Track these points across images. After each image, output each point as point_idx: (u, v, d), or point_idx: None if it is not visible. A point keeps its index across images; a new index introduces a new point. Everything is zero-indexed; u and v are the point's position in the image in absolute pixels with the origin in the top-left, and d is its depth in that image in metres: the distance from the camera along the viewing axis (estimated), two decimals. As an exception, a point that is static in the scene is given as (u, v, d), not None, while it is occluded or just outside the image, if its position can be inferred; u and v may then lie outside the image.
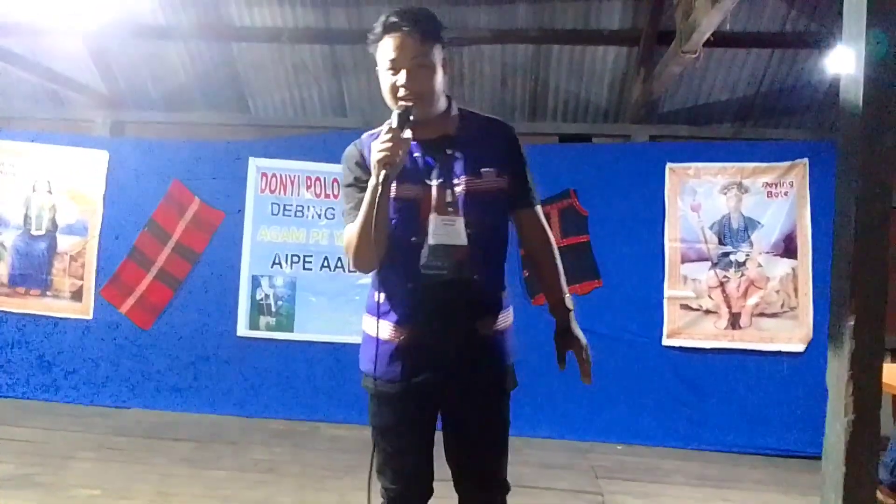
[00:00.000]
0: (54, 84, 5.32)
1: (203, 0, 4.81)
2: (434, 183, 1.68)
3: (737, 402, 4.40)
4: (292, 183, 4.83)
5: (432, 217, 1.65)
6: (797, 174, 4.44)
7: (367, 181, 1.64)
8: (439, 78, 1.68)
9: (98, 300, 4.88)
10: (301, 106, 5.58)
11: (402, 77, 1.63)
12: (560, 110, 5.33)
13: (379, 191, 1.57)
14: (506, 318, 1.81)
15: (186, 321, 4.79)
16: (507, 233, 1.81)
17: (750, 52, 4.78)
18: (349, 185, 1.76)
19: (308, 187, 4.80)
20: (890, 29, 1.69)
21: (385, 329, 1.74)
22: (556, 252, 1.87)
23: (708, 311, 4.47)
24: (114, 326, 4.84)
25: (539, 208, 1.86)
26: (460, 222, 1.66)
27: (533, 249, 1.87)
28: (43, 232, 4.98)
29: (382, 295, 1.75)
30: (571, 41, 4.87)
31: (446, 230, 1.65)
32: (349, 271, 4.71)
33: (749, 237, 4.48)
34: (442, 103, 1.74)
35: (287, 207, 4.80)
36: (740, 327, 4.44)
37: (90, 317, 4.87)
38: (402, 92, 1.63)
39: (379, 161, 1.57)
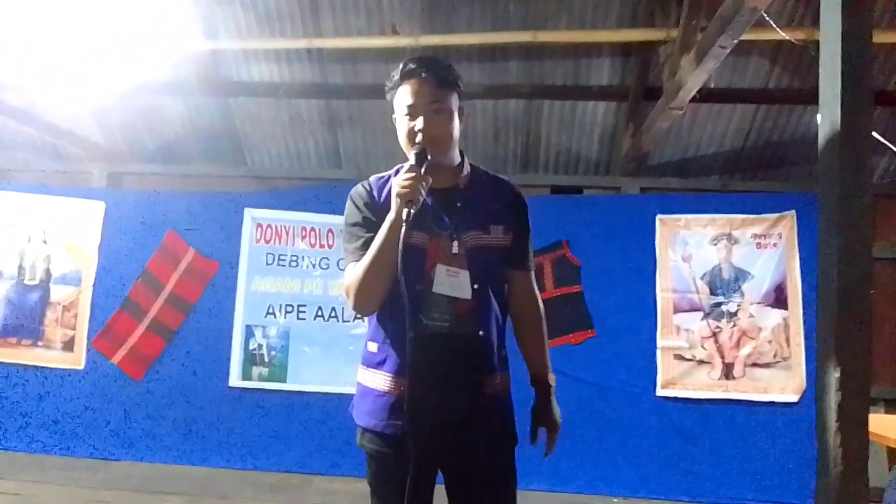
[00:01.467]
0: (53, 137, 5.40)
1: (202, 55, 4.94)
2: (443, 233, 1.67)
3: (732, 453, 4.38)
4: (287, 233, 4.87)
5: (438, 267, 1.65)
6: (785, 225, 4.51)
7: (375, 221, 1.64)
8: (456, 125, 1.70)
9: (90, 351, 4.85)
10: (297, 158, 5.67)
11: (419, 122, 1.64)
12: (552, 163, 5.43)
13: (403, 228, 1.53)
14: (507, 378, 1.79)
15: (179, 372, 4.77)
16: (506, 297, 1.81)
17: (736, 107, 4.92)
18: (355, 225, 1.72)
19: (303, 238, 4.84)
20: (864, 90, 1.77)
21: (383, 380, 1.69)
22: (544, 323, 1.88)
23: (701, 362, 4.48)
24: (105, 377, 4.81)
25: (533, 276, 1.88)
26: (465, 276, 1.65)
27: (521, 314, 1.86)
28: (36, 282, 4.99)
29: (377, 345, 1.71)
30: (562, 96, 5.00)
31: (451, 282, 1.65)
32: (343, 321, 4.71)
33: (740, 287, 4.52)
34: (455, 154, 1.76)
35: (282, 257, 4.83)
36: (734, 377, 4.45)
37: (82, 367, 4.84)
38: (419, 137, 1.64)
39: (401, 196, 1.55)
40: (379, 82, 5.00)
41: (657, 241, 4.62)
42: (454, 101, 1.70)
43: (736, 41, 3.09)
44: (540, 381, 1.86)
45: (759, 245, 4.54)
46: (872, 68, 2.01)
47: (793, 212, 4.50)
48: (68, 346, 4.88)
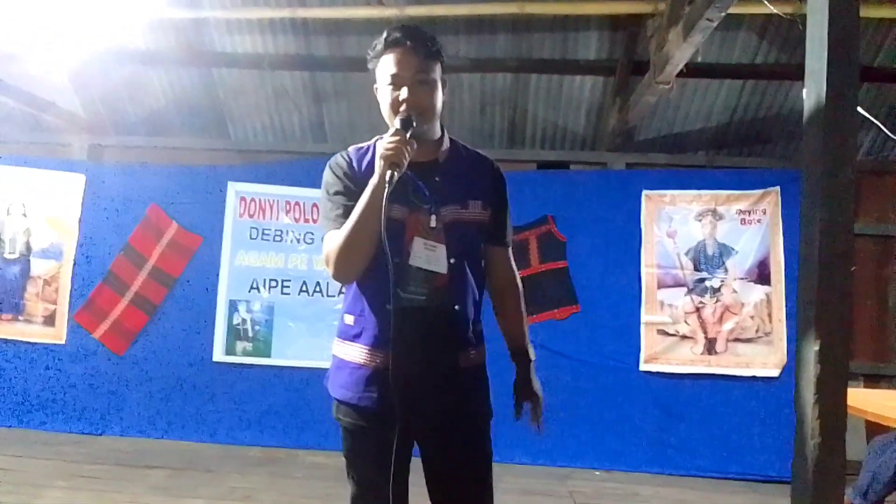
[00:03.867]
0: (32, 108, 5.29)
1: (184, 25, 4.84)
2: (422, 207, 1.65)
3: (714, 427, 4.43)
4: (271, 207, 4.83)
5: (416, 240, 1.63)
6: (770, 201, 4.53)
7: (355, 190, 1.62)
8: (439, 96, 1.68)
9: (71, 325, 4.82)
10: (281, 131, 5.60)
11: (404, 92, 1.61)
12: (538, 138, 5.40)
13: (386, 189, 1.50)
14: (483, 352, 1.78)
15: (162, 346, 4.74)
16: (483, 273, 1.79)
17: (723, 83, 4.90)
18: (336, 193, 1.69)
19: (287, 212, 4.80)
20: (851, 64, 1.75)
21: (359, 353, 1.68)
22: (522, 298, 1.87)
23: (684, 337, 4.52)
24: (87, 352, 4.78)
25: (511, 252, 1.87)
26: (442, 249, 1.64)
27: (500, 289, 1.85)
28: (17, 255, 4.93)
29: (353, 317, 1.70)
30: (549, 70, 4.96)
31: (427, 255, 1.63)
32: (327, 296, 4.70)
33: (724, 263, 4.55)
34: (437, 127, 1.73)
35: (266, 232, 4.80)
36: (716, 352, 4.49)
37: (63, 342, 4.81)
38: (403, 106, 1.61)
39: (385, 158, 1.52)
40: (364, 55, 4.96)
41: (643, 217, 4.63)
42: (438, 73, 1.67)
43: (724, 14, 3.07)
44: (519, 355, 1.86)
45: (743, 221, 4.56)
46: (859, 43, 1.99)
47: (777, 188, 4.52)
48: (49, 320, 4.84)
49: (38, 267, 4.89)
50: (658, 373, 4.50)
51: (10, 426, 4.71)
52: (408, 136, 1.56)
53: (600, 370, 4.51)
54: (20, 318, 4.88)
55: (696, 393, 4.47)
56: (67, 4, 4.24)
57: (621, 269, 4.58)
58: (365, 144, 1.76)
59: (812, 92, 1.78)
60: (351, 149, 1.77)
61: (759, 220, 4.54)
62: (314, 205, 4.71)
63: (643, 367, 4.51)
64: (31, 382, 4.79)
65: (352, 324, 1.70)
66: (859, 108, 1.83)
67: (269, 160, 5.24)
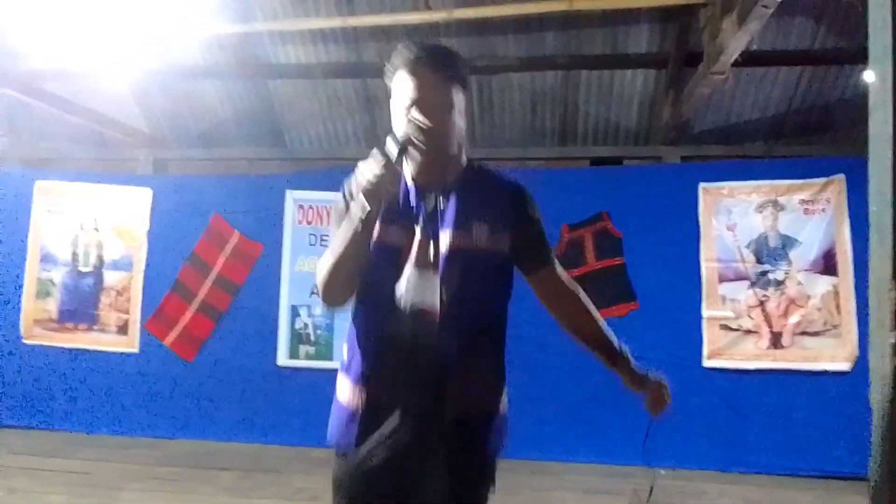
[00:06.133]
0: (99, 125, 5.54)
1: (239, 39, 4.99)
2: (422, 232, 1.48)
3: (782, 424, 4.32)
4: (328, 214, 4.93)
5: (407, 269, 1.46)
6: (834, 190, 4.38)
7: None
8: (457, 121, 1.52)
9: (143, 333, 5.02)
10: (335, 138, 5.71)
11: (420, 116, 1.46)
12: (591, 134, 5.36)
13: (359, 228, 1.38)
14: (490, 404, 1.57)
15: (228, 352, 4.90)
16: (503, 313, 1.60)
17: (780, 71, 4.77)
18: (339, 216, 1.54)
19: (344, 218, 4.89)
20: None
21: (347, 389, 1.55)
22: (592, 306, 1.66)
23: (748, 331, 4.41)
24: (159, 359, 4.97)
25: (557, 266, 1.64)
26: (435, 282, 1.45)
27: (560, 306, 1.65)
28: (90, 268, 5.16)
29: (346, 346, 1.57)
30: (600, 66, 4.92)
31: (419, 288, 1.45)
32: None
33: (787, 255, 4.42)
34: (454, 150, 1.55)
35: (324, 238, 4.90)
36: (782, 347, 4.37)
37: (136, 350, 5.01)
38: (413, 130, 1.46)
39: (364, 191, 1.37)
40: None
41: (700, 211, 4.54)
42: (459, 98, 1.53)
43: (780, 0, 2.99)
44: (622, 365, 1.66)
45: (806, 211, 4.43)
46: (926, 22, 1.92)
47: (842, 176, 4.36)
48: (122, 329, 5.05)
49: (111, 278, 5.11)
50: (722, 369, 4.41)
51: (86, 431, 4.93)
52: (400, 161, 1.41)
53: (662, 367, 4.35)
54: (95, 327, 5.10)
55: (762, 388, 4.36)
56: (128, 25, 4.43)
57: (680, 264, 4.50)
58: None
59: (877, 75, 1.72)
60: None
61: (823, 210, 4.40)
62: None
63: (706, 363, 4.42)
64: (106, 389, 5.01)
65: (345, 355, 1.59)
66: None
67: (324, 167, 5.35)
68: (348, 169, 5.06)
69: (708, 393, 4.40)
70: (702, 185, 4.56)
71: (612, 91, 5.05)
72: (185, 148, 5.83)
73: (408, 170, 1.52)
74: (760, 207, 4.48)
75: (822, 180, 4.41)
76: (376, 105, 5.41)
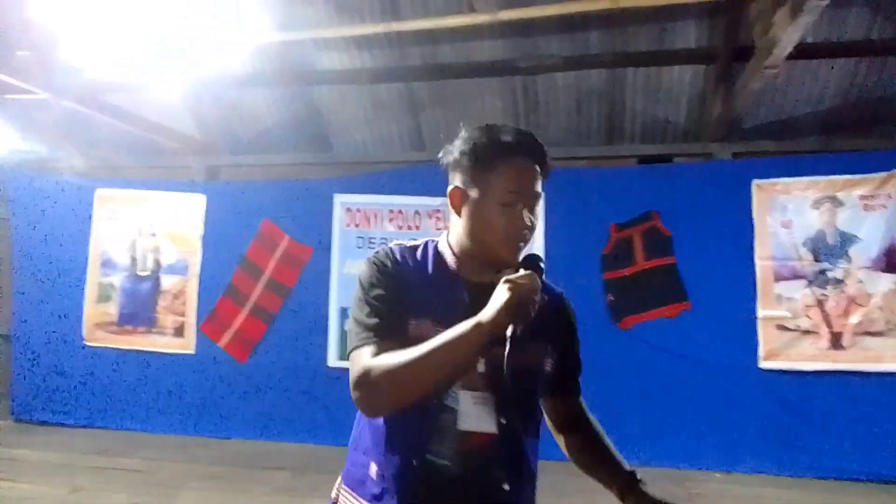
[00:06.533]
0: (153, 134, 5.71)
1: (285, 47, 5.08)
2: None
3: (842, 427, 4.20)
4: (376, 216, 4.99)
5: (463, 395, 1.25)
6: (895, 184, 4.23)
7: (401, 296, 1.27)
8: None
9: (199, 335, 5.16)
10: (381, 142, 5.76)
11: (521, 218, 1.27)
12: (638, 133, 5.29)
13: (482, 340, 1.15)
14: None
15: (280, 353, 5.00)
16: (540, 427, 1.41)
17: (835, 63, 4.62)
18: (377, 298, 1.29)
19: (391, 220, 4.95)
20: None
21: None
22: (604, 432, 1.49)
23: (806, 332, 4.29)
24: (214, 360, 5.11)
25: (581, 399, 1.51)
26: (491, 402, 1.26)
27: (583, 438, 1.47)
28: (148, 272, 5.33)
29: (376, 469, 1.30)
30: (646, 63, 4.85)
31: (477, 411, 1.26)
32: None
33: (846, 252, 4.29)
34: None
35: (371, 240, 4.96)
36: (843, 347, 4.24)
37: (192, 351, 5.16)
38: (522, 232, 1.28)
39: (522, 301, 1.14)
40: (458, 61, 5.06)
41: (754, 208, 4.45)
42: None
43: (835, -8, 2.91)
44: (634, 486, 1.37)
45: (866, 207, 4.29)
46: None
47: (904, 170, 4.22)
48: (179, 331, 5.20)
49: (167, 282, 5.28)
50: (779, 370, 4.30)
51: (145, 430, 5.09)
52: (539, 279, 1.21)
53: (716, 369, 4.35)
54: (153, 330, 5.27)
55: (822, 390, 4.24)
56: (179, 37, 4.55)
57: (733, 262, 4.41)
58: (411, 243, 1.41)
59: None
60: (395, 245, 1.39)
61: (883, 206, 4.26)
62: (416, 211, 4.83)
63: (762, 364, 4.32)
64: (164, 390, 5.17)
65: (374, 477, 1.30)
66: None
67: (370, 171, 5.41)
68: (394, 171, 5.13)
69: (764, 395, 4.31)
70: (755, 181, 4.46)
71: (659, 88, 4.97)
72: (235, 155, 5.96)
73: (464, 268, 1.33)
74: (817, 203, 4.36)
75: (881, 175, 4.27)
76: (420, 108, 5.44)
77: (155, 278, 5.30)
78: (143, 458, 4.48)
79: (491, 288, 1.19)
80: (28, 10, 3.94)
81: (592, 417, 1.50)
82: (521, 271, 1.21)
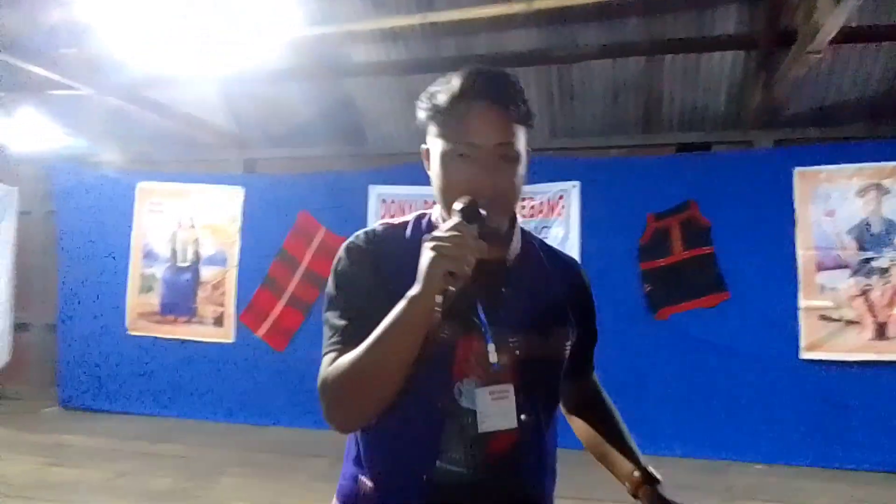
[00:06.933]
0: (190, 127, 5.81)
1: (319, 41, 5.11)
2: (477, 330, 1.09)
3: (887, 418, 4.10)
4: (410, 208, 5.00)
5: (479, 392, 1.08)
6: (945, 172, 4.12)
7: (382, 286, 1.07)
8: (523, 176, 1.12)
9: (238, 325, 5.26)
10: (415, 134, 5.72)
11: (481, 169, 1.06)
12: (676, 120, 5.21)
13: (436, 310, 0.97)
14: None
15: (317, 343, 4.97)
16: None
17: (881, 47, 4.49)
18: (347, 290, 1.13)
19: (426, 211, 4.96)
20: None
21: None
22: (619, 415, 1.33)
23: (850, 322, 4.20)
24: (253, 349, 5.20)
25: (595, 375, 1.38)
26: (511, 397, 1.09)
27: (596, 418, 1.32)
28: (188, 264, 5.44)
29: (369, 482, 1.12)
30: (685, 50, 4.77)
31: (497, 409, 1.08)
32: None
33: (892, 241, 4.18)
34: (514, 217, 1.19)
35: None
36: (887, 338, 4.14)
37: (232, 340, 5.26)
38: (478, 192, 1.05)
39: (437, 261, 0.95)
40: (492, 51, 5.03)
41: (796, 197, 4.36)
42: (524, 142, 1.11)
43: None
44: (648, 480, 1.21)
45: (913, 195, 4.18)
46: None
47: (953, 156, 4.10)
48: (218, 321, 5.31)
49: (207, 273, 5.39)
50: (821, 361, 4.22)
51: (188, 417, 5.20)
52: (475, 232, 1.00)
53: (756, 359, 4.28)
54: (193, 319, 5.38)
55: (865, 382, 4.16)
56: (216, 32, 4.62)
57: (774, 252, 4.33)
58: (401, 220, 1.22)
59: None
60: (379, 225, 1.21)
61: (932, 193, 4.14)
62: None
63: (804, 355, 4.24)
64: (205, 378, 5.28)
65: (370, 492, 1.12)
66: None
67: (404, 163, 5.42)
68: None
69: (805, 386, 4.23)
70: (797, 169, 4.37)
71: (698, 75, 4.89)
72: (271, 147, 6.03)
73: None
74: (862, 192, 4.25)
75: (931, 161, 4.15)
76: (456, 99, 5.43)
77: (195, 269, 5.41)
78: (185, 445, 4.59)
79: (488, 267, 1.04)
80: (72, 9, 4.03)
81: (607, 397, 1.35)
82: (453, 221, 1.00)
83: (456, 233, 0.97)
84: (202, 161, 6.10)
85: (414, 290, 0.97)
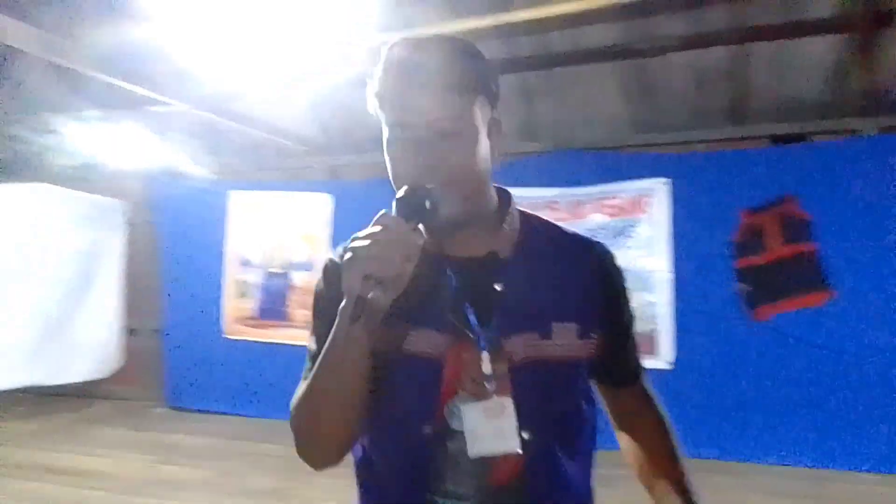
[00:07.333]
0: (277, 136, 6.01)
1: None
2: (468, 337, 0.97)
3: None
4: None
5: (467, 409, 0.94)
6: None
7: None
8: (483, 153, 0.97)
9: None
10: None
11: (416, 153, 0.94)
12: (767, 111, 4.96)
13: (356, 332, 0.89)
14: None
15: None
16: (595, 430, 1.09)
17: None
18: (318, 311, 1.10)
19: (507, 213, 4.95)
20: None
21: None
22: (674, 435, 1.14)
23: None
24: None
25: (647, 381, 1.18)
26: (510, 412, 0.94)
27: (641, 437, 1.15)
28: (279, 270, 5.65)
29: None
30: (775, 36, 4.54)
31: (491, 427, 0.94)
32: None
33: None
34: (490, 200, 1.04)
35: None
36: None
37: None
38: (420, 178, 0.93)
39: (358, 268, 0.85)
40: (568, 49, 4.94)
41: (904, 186, 4.09)
42: (479, 114, 0.96)
43: None
44: None
45: None
46: None
47: None
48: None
49: (297, 279, 5.60)
50: (935, 363, 3.95)
51: (284, 418, 5.38)
52: (411, 225, 0.90)
53: (863, 361, 4.05)
54: (284, 323, 5.58)
55: None
56: (300, 43, 4.77)
57: (882, 247, 4.08)
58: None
59: None
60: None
61: None
62: (531, 204, 4.79)
63: (919, 357, 3.98)
64: (299, 381, 5.45)
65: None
66: None
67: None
68: (511, 164, 5.10)
69: (921, 390, 3.97)
70: (906, 156, 4.10)
71: (790, 63, 4.64)
72: (354, 154, 6.16)
73: (422, 231, 0.95)
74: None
75: None
76: (533, 98, 5.38)
77: (286, 275, 5.62)
78: (284, 445, 4.73)
79: (476, 262, 0.96)
80: (164, 28, 4.24)
81: (658, 410, 1.15)
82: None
83: (376, 228, 0.87)
84: (288, 169, 6.31)
85: (343, 305, 0.89)
